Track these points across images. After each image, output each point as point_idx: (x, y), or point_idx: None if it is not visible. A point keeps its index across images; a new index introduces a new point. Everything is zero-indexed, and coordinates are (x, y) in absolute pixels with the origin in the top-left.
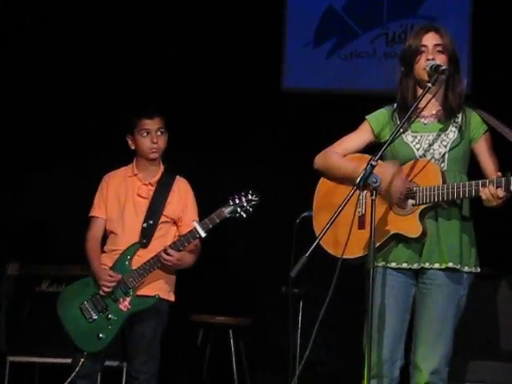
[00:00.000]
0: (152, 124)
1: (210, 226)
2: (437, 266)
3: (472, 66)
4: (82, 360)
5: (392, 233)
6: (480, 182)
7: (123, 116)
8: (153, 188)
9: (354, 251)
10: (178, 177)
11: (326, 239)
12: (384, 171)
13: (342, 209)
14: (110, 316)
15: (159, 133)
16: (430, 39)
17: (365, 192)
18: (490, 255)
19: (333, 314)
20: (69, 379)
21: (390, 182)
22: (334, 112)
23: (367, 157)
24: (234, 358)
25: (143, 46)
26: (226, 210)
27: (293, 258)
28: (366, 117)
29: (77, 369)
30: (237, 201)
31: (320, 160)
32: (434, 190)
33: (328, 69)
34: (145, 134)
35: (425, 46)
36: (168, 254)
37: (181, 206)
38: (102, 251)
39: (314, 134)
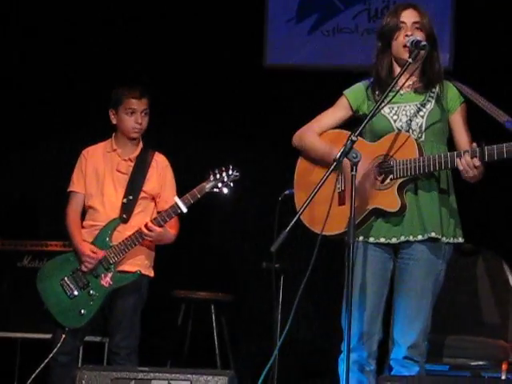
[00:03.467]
0: (139, 105)
1: (192, 201)
2: (420, 237)
3: (454, 41)
4: (64, 336)
5: (371, 208)
6: (455, 152)
7: (104, 90)
8: (132, 164)
9: (335, 227)
10: (157, 153)
11: (308, 217)
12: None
13: (321, 185)
14: (91, 292)
15: (144, 114)
16: (409, 16)
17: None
18: (468, 231)
19: (314, 289)
20: (50, 355)
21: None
22: (316, 88)
23: (345, 132)
24: (215, 333)
25: (125, 22)
26: (207, 186)
27: (275, 235)
28: (344, 92)
29: (58, 345)
30: (218, 176)
31: (297, 139)
32: (410, 163)
33: (310, 44)
34: (130, 113)
35: (403, 22)
36: (149, 230)
37: (159, 182)
38: (82, 226)
39: (297, 110)
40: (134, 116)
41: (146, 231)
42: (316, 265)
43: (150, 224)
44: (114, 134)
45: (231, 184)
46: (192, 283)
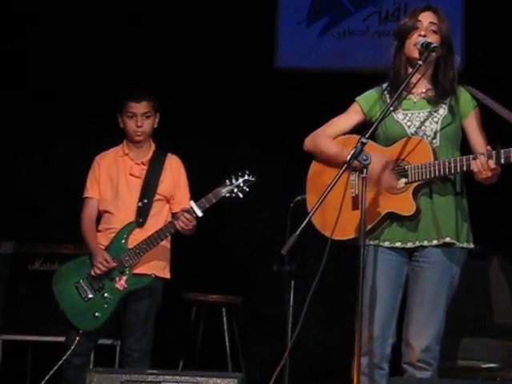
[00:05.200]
0: (138, 108)
1: (207, 206)
2: (435, 242)
3: (465, 43)
4: (78, 338)
5: (386, 212)
6: (471, 156)
7: (116, 94)
8: (145, 167)
9: (349, 232)
10: (169, 154)
11: (320, 221)
12: (372, 164)
13: (331, 188)
14: (105, 295)
15: (145, 117)
16: (427, 17)
17: (357, 172)
18: (482, 233)
19: (326, 292)
20: (64, 357)
21: (377, 175)
22: (327, 90)
23: (355, 136)
24: (226, 336)
25: (135, 25)
26: (223, 190)
27: (287, 239)
28: (356, 98)
29: (72, 347)
30: (233, 181)
31: (309, 143)
32: (425, 167)
33: (321, 47)
34: (130, 115)
35: (420, 21)
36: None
37: (173, 184)
38: (97, 230)
39: (308, 112)
40: (134, 119)
41: (187, 216)
42: (328, 267)
43: (186, 214)
44: (125, 139)
45: (247, 189)
46: (203, 286)
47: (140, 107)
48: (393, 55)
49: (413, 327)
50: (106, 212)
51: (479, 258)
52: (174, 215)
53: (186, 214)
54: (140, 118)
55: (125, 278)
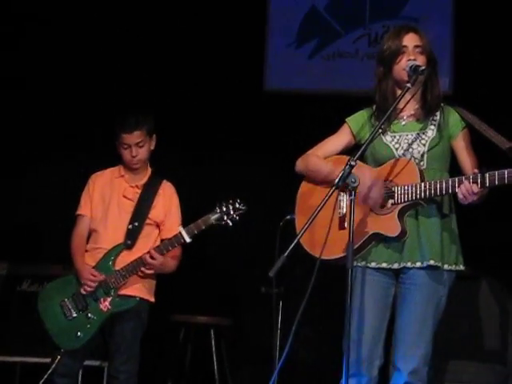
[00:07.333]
0: (131, 138)
1: (196, 232)
2: (418, 264)
3: (454, 66)
4: (59, 357)
5: (371, 232)
6: (456, 178)
7: (112, 116)
8: (139, 191)
9: (335, 252)
10: (164, 181)
11: (308, 241)
12: (363, 178)
13: (320, 209)
14: (89, 315)
15: (139, 146)
16: (411, 40)
17: (345, 192)
18: (470, 255)
19: (313, 313)
20: (45, 376)
21: (368, 190)
22: (316, 112)
23: (345, 157)
24: (215, 357)
25: (130, 48)
26: (213, 217)
27: (276, 260)
28: (346, 119)
29: (53, 366)
30: (224, 208)
31: (300, 163)
32: (411, 188)
33: (310, 69)
34: (125, 146)
35: (405, 46)
36: (152, 258)
37: (165, 210)
38: (86, 250)
39: (297, 135)
40: (128, 150)
41: (148, 259)
42: (316, 288)
43: (152, 252)
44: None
45: (237, 217)
46: (192, 307)
47: (132, 138)
48: (378, 80)
49: (400, 350)
50: (95, 231)
51: (468, 281)
52: (162, 241)
53: (152, 251)
54: (134, 148)
55: (109, 299)
